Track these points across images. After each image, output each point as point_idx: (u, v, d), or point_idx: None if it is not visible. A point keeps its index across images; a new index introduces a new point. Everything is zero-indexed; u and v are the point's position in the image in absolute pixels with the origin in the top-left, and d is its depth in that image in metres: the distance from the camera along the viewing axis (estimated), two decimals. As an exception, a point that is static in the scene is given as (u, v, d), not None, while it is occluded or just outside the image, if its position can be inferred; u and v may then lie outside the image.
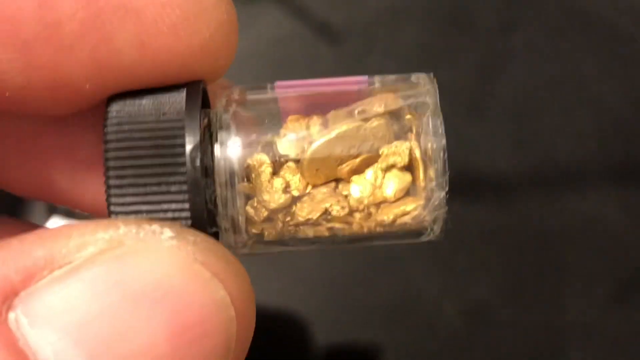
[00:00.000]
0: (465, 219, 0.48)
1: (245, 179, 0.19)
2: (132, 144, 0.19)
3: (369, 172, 0.19)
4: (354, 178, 0.19)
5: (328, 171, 0.19)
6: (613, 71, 0.52)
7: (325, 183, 0.20)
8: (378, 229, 0.19)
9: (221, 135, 0.19)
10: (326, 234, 0.20)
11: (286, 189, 0.20)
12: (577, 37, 0.52)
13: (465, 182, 0.48)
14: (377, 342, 0.46)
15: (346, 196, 0.19)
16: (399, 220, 0.19)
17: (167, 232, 0.17)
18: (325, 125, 0.20)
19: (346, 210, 0.19)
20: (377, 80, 0.20)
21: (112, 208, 0.19)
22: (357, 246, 0.20)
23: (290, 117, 0.20)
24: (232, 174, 0.19)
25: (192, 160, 0.18)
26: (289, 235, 0.20)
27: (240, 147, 0.19)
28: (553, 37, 0.52)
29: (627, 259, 0.48)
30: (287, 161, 0.20)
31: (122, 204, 0.18)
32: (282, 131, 0.20)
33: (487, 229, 0.49)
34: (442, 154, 0.19)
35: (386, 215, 0.19)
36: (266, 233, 0.20)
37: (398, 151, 0.19)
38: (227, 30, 0.20)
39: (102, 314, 0.17)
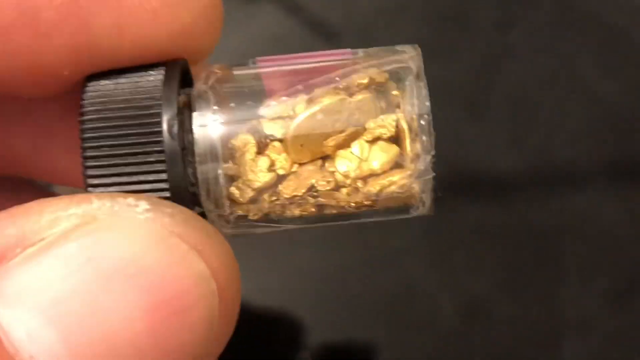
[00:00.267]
0: (462, 216, 0.47)
1: (230, 159, 0.19)
2: (108, 119, 0.18)
3: (355, 146, 0.19)
4: (340, 152, 0.19)
5: (313, 147, 0.19)
6: (610, 69, 0.51)
7: (312, 161, 0.19)
8: (366, 203, 0.19)
9: (201, 109, 0.19)
10: (312, 210, 0.19)
11: (271, 167, 0.19)
12: (574, 35, 0.52)
13: (462, 179, 0.48)
14: (374, 339, 0.45)
15: (333, 172, 0.19)
16: (386, 190, 0.18)
17: (143, 205, 0.17)
18: (310, 100, 0.19)
19: (332, 184, 0.19)
20: (360, 50, 0.20)
21: (89, 181, 0.18)
22: (344, 223, 0.19)
23: (274, 96, 0.19)
24: (213, 152, 0.19)
25: (170, 128, 0.18)
26: (275, 216, 0.19)
27: (222, 126, 0.19)
28: (550, 35, 0.52)
29: (623, 256, 0.48)
30: (272, 140, 0.19)
31: (99, 176, 0.18)
32: (266, 107, 0.19)
33: (484, 225, 0.48)
34: (426, 116, 0.18)
35: (373, 187, 0.19)
36: (251, 214, 0.19)
37: (384, 124, 0.19)
38: (209, 14, 0.19)
39: (76, 291, 0.16)
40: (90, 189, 0.18)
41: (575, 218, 0.48)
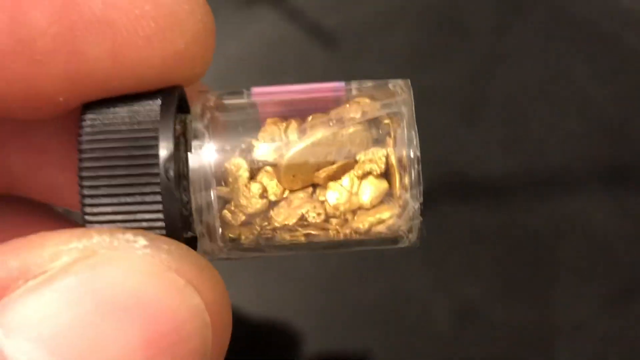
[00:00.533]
0: (456, 220, 0.48)
1: (223, 183, 0.19)
2: (106, 153, 0.19)
3: (345, 179, 0.19)
4: (331, 184, 0.19)
5: (305, 177, 0.19)
6: (603, 74, 0.52)
7: (303, 188, 0.20)
8: (354, 236, 0.19)
9: (196, 142, 0.19)
10: (302, 239, 0.20)
11: (263, 193, 0.20)
12: (567, 40, 0.52)
13: (456, 182, 0.49)
14: (367, 342, 0.46)
15: (323, 202, 0.19)
16: (374, 229, 0.19)
17: (141, 241, 0.18)
18: (303, 130, 0.20)
19: (322, 216, 0.19)
20: (354, 87, 0.20)
21: (87, 217, 0.19)
22: (333, 252, 0.20)
23: (268, 120, 0.20)
24: (207, 181, 0.19)
25: (166, 170, 0.18)
26: (266, 240, 0.20)
27: (216, 152, 0.19)
28: (543, 40, 0.52)
29: (617, 260, 0.48)
30: (264, 166, 0.20)
31: (97, 214, 0.19)
32: (260, 135, 0.20)
33: (478, 229, 0.49)
34: (416, 166, 0.19)
35: (362, 224, 0.19)
36: (243, 237, 0.20)
37: (375, 158, 0.19)
38: (202, 39, 0.20)
39: (76, 323, 0.17)
40: (88, 225, 0.19)
41: (569, 222, 0.48)
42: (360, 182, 0.19)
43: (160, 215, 0.18)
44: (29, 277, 0.17)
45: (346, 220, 0.19)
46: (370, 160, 0.19)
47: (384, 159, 0.19)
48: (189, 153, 0.19)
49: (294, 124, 0.20)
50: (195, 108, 0.20)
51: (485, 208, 0.49)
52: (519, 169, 0.50)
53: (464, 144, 0.50)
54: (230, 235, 0.20)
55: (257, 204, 0.19)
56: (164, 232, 0.19)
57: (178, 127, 0.19)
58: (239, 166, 0.19)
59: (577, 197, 0.49)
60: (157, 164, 0.18)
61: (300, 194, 0.19)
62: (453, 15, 0.53)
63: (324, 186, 0.19)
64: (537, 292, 0.47)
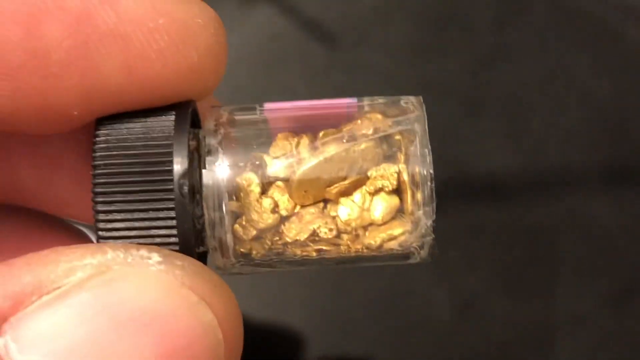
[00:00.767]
0: (457, 215, 0.48)
1: (234, 197, 0.20)
2: (120, 169, 0.19)
3: (357, 195, 0.19)
4: (342, 200, 0.20)
5: (316, 192, 0.20)
6: (604, 68, 0.52)
7: (314, 203, 0.20)
8: (365, 252, 0.20)
9: (209, 158, 0.19)
10: (314, 254, 0.20)
11: (275, 208, 0.20)
12: (569, 35, 0.52)
13: (457, 178, 0.49)
14: (368, 336, 0.46)
15: (334, 217, 0.20)
16: (386, 245, 0.19)
17: (155, 257, 0.18)
18: (314, 145, 0.20)
19: (334, 232, 0.19)
20: (366, 103, 0.20)
21: (100, 233, 0.19)
22: (344, 267, 0.20)
23: (279, 135, 0.20)
24: (220, 197, 0.19)
25: (180, 186, 0.18)
26: (277, 255, 0.20)
27: (229, 168, 0.19)
28: (545, 35, 0.52)
29: (618, 256, 0.48)
30: (276, 180, 0.20)
31: (110, 229, 0.19)
32: (272, 150, 0.20)
33: (479, 224, 0.49)
34: (429, 183, 0.19)
35: (373, 240, 0.19)
36: (254, 252, 0.20)
37: (386, 175, 0.19)
38: (215, 52, 0.20)
39: (90, 339, 0.17)
40: (101, 240, 0.19)
41: (570, 217, 0.48)
42: (372, 198, 0.19)
43: (174, 231, 0.18)
44: (43, 293, 0.17)
45: (357, 236, 0.20)
46: (382, 177, 0.19)
47: (395, 175, 0.19)
48: (203, 169, 0.19)
49: (305, 139, 0.20)
50: (209, 124, 0.20)
51: (486, 203, 0.49)
52: (520, 164, 0.50)
53: (464, 139, 0.50)
54: (242, 250, 0.20)
55: (269, 218, 0.19)
56: (177, 247, 0.19)
57: (191, 142, 0.19)
58: (251, 181, 0.19)
59: (578, 192, 0.49)
60: (171, 180, 0.18)
61: (312, 209, 0.20)
62: (454, 9, 0.53)
63: (335, 202, 0.20)
64: (538, 288, 0.47)
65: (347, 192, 0.19)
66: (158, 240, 0.19)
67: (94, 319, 0.17)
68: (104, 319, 0.17)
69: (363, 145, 0.19)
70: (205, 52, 0.20)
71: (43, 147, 0.23)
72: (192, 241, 0.19)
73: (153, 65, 0.19)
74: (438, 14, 0.52)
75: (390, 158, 0.20)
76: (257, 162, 0.20)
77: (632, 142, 0.50)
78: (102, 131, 0.19)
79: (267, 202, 0.20)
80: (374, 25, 0.52)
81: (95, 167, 0.19)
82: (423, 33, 0.52)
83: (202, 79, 0.20)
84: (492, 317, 0.47)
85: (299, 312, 0.46)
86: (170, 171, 0.18)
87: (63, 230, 0.25)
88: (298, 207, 0.20)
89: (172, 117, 0.19)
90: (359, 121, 0.20)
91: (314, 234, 0.19)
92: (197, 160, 0.19)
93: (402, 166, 0.19)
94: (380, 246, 0.19)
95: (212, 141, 0.20)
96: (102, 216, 0.19)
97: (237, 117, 0.20)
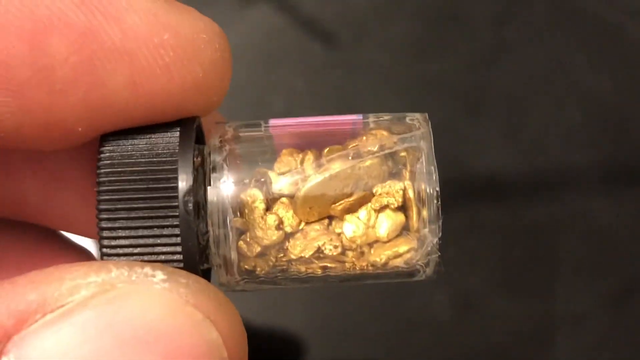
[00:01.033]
0: (457, 212, 0.48)
1: (239, 214, 0.19)
2: (124, 186, 0.18)
3: (362, 212, 0.19)
4: (347, 217, 0.19)
5: (321, 209, 0.19)
6: (604, 65, 0.52)
7: (318, 220, 0.20)
8: (370, 269, 0.20)
9: (214, 175, 0.19)
10: (318, 271, 0.20)
11: (279, 225, 0.20)
12: (569, 32, 0.52)
13: (456, 175, 0.49)
14: (368, 333, 0.46)
15: (339, 234, 0.20)
16: (391, 263, 0.19)
17: (159, 275, 0.18)
18: (319, 162, 0.20)
19: (339, 249, 0.19)
20: (371, 120, 0.20)
21: (104, 250, 0.19)
22: (349, 285, 0.20)
23: (284, 151, 0.20)
24: (224, 213, 0.19)
25: (185, 204, 0.18)
26: (281, 272, 0.20)
27: (233, 185, 0.19)
28: (544, 31, 0.52)
29: (618, 255, 0.48)
30: (280, 197, 0.20)
31: (114, 247, 0.19)
32: (276, 166, 0.20)
33: (479, 222, 0.49)
34: (435, 201, 0.19)
35: (379, 257, 0.19)
36: (258, 269, 0.20)
37: (392, 192, 0.19)
38: (220, 68, 0.20)
39: (95, 358, 0.17)
40: (105, 257, 0.19)
41: (570, 215, 0.48)
42: (377, 215, 0.19)
43: (178, 249, 0.18)
44: (47, 311, 0.17)
45: (362, 253, 0.19)
46: (388, 194, 0.19)
47: (401, 192, 0.19)
48: (207, 186, 0.19)
49: (310, 156, 0.20)
50: (214, 140, 0.20)
51: (486, 201, 0.49)
52: (520, 161, 0.49)
53: (464, 136, 0.50)
54: (246, 266, 0.20)
55: (273, 235, 0.19)
56: (181, 265, 0.19)
57: (196, 159, 0.19)
58: (255, 197, 0.19)
59: (578, 191, 0.49)
60: (176, 197, 0.18)
61: (317, 226, 0.20)
62: (454, 7, 0.52)
63: (340, 218, 0.20)
64: (538, 287, 0.47)
65: (352, 209, 0.19)
66: (162, 257, 0.18)
67: (99, 337, 0.17)
68: (108, 338, 0.17)
69: (368, 162, 0.19)
70: (210, 68, 0.19)
71: (46, 162, 0.23)
72: (197, 258, 0.19)
73: (158, 80, 0.19)
74: (438, 11, 0.52)
75: (395, 175, 0.20)
76: (262, 179, 0.20)
77: (632, 141, 0.50)
78: (106, 147, 0.19)
79: (271, 219, 0.19)
80: (373, 22, 0.52)
81: (99, 183, 0.19)
82: (422, 31, 0.52)
83: (206, 95, 0.20)
84: (492, 317, 0.47)
85: (298, 314, 0.46)
86: (175, 188, 0.18)
87: (65, 246, 0.25)
88: (303, 224, 0.20)
89: (177, 134, 0.19)
90: (364, 138, 0.20)
91: (319, 250, 0.19)
92: (201, 177, 0.19)
93: (407, 183, 0.19)
94: (385, 263, 0.19)
95: (217, 158, 0.19)
96: (106, 233, 0.18)
97: (241, 134, 0.20)
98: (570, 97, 0.51)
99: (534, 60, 0.52)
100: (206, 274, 0.20)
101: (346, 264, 0.20)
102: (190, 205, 0.18)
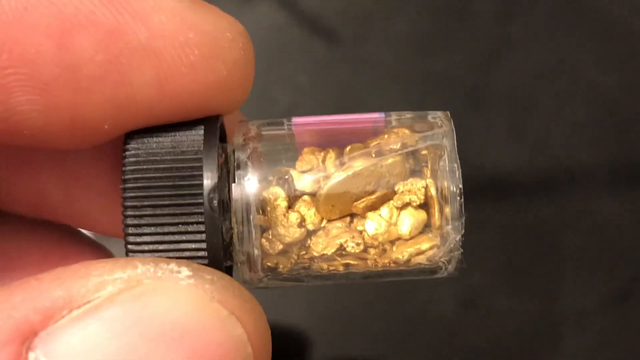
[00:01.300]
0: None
1: (261, 212, 0.20)
2: (150, 183, 0.19)
3: (384, 210, 0.20)
4: (369, 214, 0.20)
5: (343, 207, 0.20)
6: (609, 61, 0.52)
7: (340, 218, 0.20)
8: (392, 266, 0.20)
9: (238, 173, 0.19)
10: (340, 269, 0.20)
11: (301, 223, 0.20)
12: (574, 28, 0.52)
13: (461, 173, 0.49)
14: (372, 331, 0.46)
15: (361, 232, 0.20)
16: (414, 260, 0.19)
17: (185, 271, 0.18)
18: (341, 160, 0.20)
19: (361, 246, 0.19)
20: (394, 118, 0.20)
21: (130, 247, 0.19)
22: (370, 282, 0.20)
23: (305, 149, 0.20)
24: (248, 211, 0.19)
25: (210, 201, 0.18)
26: (304, 269, 0.20)
27: (257, 183, 0.19)
28: (549, 27, 0.52)
29: (622, 252, 0.48)
30: (302, 195, 0.20)
31: (140, 243, 0.19)
32: (298, 164, 0.20)
33: (483, 220, 0.49)
34: (458, 198, 0.19)
35: (401, 254, 0.19)
36: (281, 266, 0.20)
37: (414, 189, 0.19)
38: (243, 67, 0.20)
39: (122, 353, 0.17)
40: (130, 254, 0.19)
41: (574, 213, 0.48)
42: (399, 213, 0.19)
43: (203, 245, 0.18)
44: (74, 307, 0.17)
45: (384, 251, 0.20)
46: (410, 191, 0.19)
47: (423, 190, 0.19)
48: (232, 184, 0.19)
49: (331, 154, 0.20)
50: (238, 138, 0.20)
51: (490, 199, 0.49)
52: (524, 159, 0.49)
53: (468, 133, 0.50)
54: (268, 264, 0.20)
55: (296, 233, 0.20)
56: (206, 261, 0.19)
57: (220, 157, 0.19)
58: (277, 195, 0.20)
59: (583, 188, 0.49)
60: (201, 194, 0.18)
61: (338, 224, 0.20)
62: (459, 1, 0.52)
63: (362, 216, 0.20)
64: (542, 285, 0.47)
65: (374, 207, 0.20)
66: (187, 254, 0.19)
67: (125, 333, 0.17)
68: (134, 334, 0.17)
69: (390, 160, 0.20)
70: (234, 67, 0.20)
71: (68, 161, 0.23)
72: (221, 255, 0.19)
73: (183, 79, 0.19)
74: (442, 7, 0.52)
75: (416, 173, 0.20)
76: (284, 177, 0.20)
77: (637, 138, 0.50)
78: (132, 145, 0.19)
79: (293, 217, 0.20)
80: (376, 19, 0.52)
81: (125, 181, 0.19)
82: (427, 27, 0.52)
83: (230, 93, 0.20)
84: (496, 314, 0.47)
85: (302, 311, 0.46)
86: (200, 185, 0.18)
87: (85, 244, 0.25)
88: (325, 222, 0.20)
89: (201, 132, 0.19)
90: (386, 136, 0.20)
91: (341, 248, 0.20)
92: (226, 175, 0.19)
93: (429, 181, 0.19)
94: (408, 261, 0.19)
95: (241, 155, 0.20)
96: (131, 229, 0.19)
97: (264, 132, 0.20)
98: (576, 94, 0.51)
99: (539, 57, 0.52)
100: (228, 271, 0.20)
101: (368, 261, 0.20)
102: (216, 202, 0.18)
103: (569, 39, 0.52)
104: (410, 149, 0.19)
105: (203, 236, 0.18)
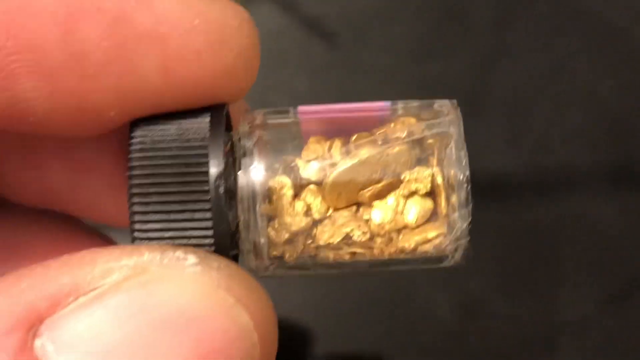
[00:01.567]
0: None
1: (267, 200, 0.20)
2: (156, 170, 0.19)
3: (391, 198, 0.20)
4: (376, 203, 0.20)
5: (350, 195, 0.20)
6: (607, 67, 0.52)
7: (347, 206, 0.20)
8: (399, 255, 0.20)
9: (244, 161, 0.19)
10: (347, 258, 0.20)
11: (307, 211, 0.20)
12: (572, 34, 0.52)
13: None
14: (370, 336, 0.46)
15: (367, 220, 0.20)
16: (420, 248, 0.19)
17: (191, 259, 0.18)
18: (347, 148, 0.20)
19: (367, 235, 0.19)
20: (400, 106, 0.20)
21: (136, 234, 0.19)
22: (377, 271, 0.20)
23: (311, 139, 0.20)
24: (254, 199, 0.19)
25: (216, 187, 0.18)
26: (310, 258, 0.20)
27: (263, 171, 0.19)
28: (547, 33, 0.52)
29: (620, 257, 0.48)
30: (308, 183, 0.20)
31: (146, 230, 0.19)
32: (304, 153, 0.20)
33: (481, 224, 0.49)
34: (465, 185, 0.19)
35: (407, 243, 0.19)
36: (287, 255, 0.20)
37: (420, 178, 0.19)
38: (249, 54, 0.20)
39: (128, 341, 0.17)
40: (137, 241, 0.19)
41: (572, 218, 0.48)
42: (406, 201, 0.19)
43: (210, 232, 0.18)
44: (80, 294, 0.17)
45: (391, 239, 0.20)
46: (416, 180, 0.19)
47: (429, 179, 0.19)
48: (238, 171, 0.19)
49: (337, 143, 0.20)
50: (243, 126, 0.20)
51: (489, 203, 0.49)
52: (522, 163, 0.49)
53: (466, 138, 0.50)
54: (274, 253, 0.20)
55: (302, 222, 0.20)
56: (212, 249, 0.19)
57: (226, 145, 0.19)
58: (283, 184, 0.20)
59: (581, 191, 0.49)
60: (207, 182, 0.18)
61: (345, 212, 0.20)
62: (456, 6, 0.53)
63: (368, 205, 0.20)
64: (541, 287, 0.47)
65: (380, 195, 0.20)
66: (193, 241, 0.19)
67: (131, 320, 0.17)
68: (140, 321, 0.17)
69: (397, 149, 0.20)
70: (239, 54, 0.20)
71: (73, 150, 0.23)
72: (228, 243, 0.19)
73: (189, 66, 0.19)
74: (440, 12, 0.52)
75: (423, 161, 0.20)
76: (290, 165, 0.20)
77: (635, 143, 0.50)
78: (137, 133, 0.19)
79: (299, 205, 0.20)
80: (375, 23, 0.52)
81: (131, 168, 0.19)
82: (424, 31, 0.52)
83: (235, 81, 0.20)
84: (495, 318, 0.47)
85: (302, 312, 0.46)
86: (207, 172, 0.18)
87: (91, 233, 0.25)
88: (331, 210, 0.20)
89: (207, 119, 0.19)
90: (392, 124, 0.20)
91: (347, 237, 0.19)
92: (232, 163, 0.19)
93: (436, 169, 0.19)
94: (414, 249, 0.19)
95: (247, 143, 0.20)
96: (138, 217, 0.19)
97: (270, 120, 0.20)
98: (573, 100, 0.51)
99: (537, 62, 0.52)
100: (234, 260, 0.20)
101: (375, 250, 0.20)
102: (222, 189, 0.18)
103: (567, 45, 0.52)
104: (417, 136, 0.19)
105: (209, 224, 0.18)
